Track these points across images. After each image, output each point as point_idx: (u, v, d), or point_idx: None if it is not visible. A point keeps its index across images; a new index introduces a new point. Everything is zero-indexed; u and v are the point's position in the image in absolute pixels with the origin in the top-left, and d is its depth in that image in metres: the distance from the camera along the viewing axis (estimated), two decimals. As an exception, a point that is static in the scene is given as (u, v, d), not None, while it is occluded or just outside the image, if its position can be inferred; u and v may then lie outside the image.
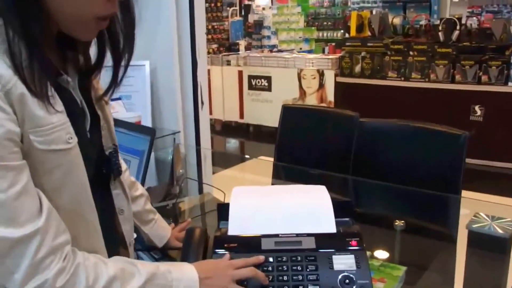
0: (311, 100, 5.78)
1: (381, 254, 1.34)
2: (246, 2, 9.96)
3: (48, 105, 0.74)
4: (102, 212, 0.88)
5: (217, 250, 0.98)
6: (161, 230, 1.28)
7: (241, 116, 6.45)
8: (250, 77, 6.26)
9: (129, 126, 1.60)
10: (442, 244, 1.52)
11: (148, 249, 1.31)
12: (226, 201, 1.62)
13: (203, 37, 2.49)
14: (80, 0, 0.75)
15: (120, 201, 0.99)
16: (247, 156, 5.77)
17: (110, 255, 0.89)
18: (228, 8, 8.80)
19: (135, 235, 1.11)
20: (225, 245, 0.99)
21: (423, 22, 5.53)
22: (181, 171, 1.76)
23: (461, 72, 4.81)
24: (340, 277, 0.92)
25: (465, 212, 1.55)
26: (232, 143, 6.35)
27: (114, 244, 0.96)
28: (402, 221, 1.45)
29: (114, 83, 0.91)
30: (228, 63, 6.43)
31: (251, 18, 8.63)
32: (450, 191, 1.64)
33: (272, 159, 2.62)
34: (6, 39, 0.71)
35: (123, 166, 1.09)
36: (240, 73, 6.35)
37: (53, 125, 0.74)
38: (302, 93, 5.89)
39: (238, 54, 6.79)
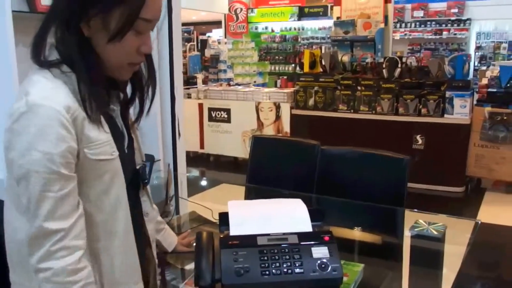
0: (269, 131, 6.09)
1: (344, 254, 1.65)
2: (202, 38, 10.28)
3: (99, 128, 1.03)
4: (133, 214, 1.15)
5: (223, 248, 1.27)
6: (170, 237, 1.56)
7: (202, 146, 6.66)
8: (210, 109, 6.51)
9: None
10: (391, 245, 1.85)
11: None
12: (211, 219, 1.91)
13: (180, 75, 2.79)
14: (120, 52, 1.05)
15: (146, 206, 1.27)
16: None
17: (139, 251, 1.17)
18: (186, 44, 9.06)
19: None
20: (229, 243, 1.27)
21: (368, 60, 5.90)
22: (172, 192, 2.03)
23: (404, 105, 5.22)
24: (318, 262, 1.23)
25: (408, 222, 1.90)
26: (193, 172, 6.57)
27: (141, 242, 1.23)
28: (360, 227, 1.79)
29: (141, 112, 1.21)
30: (189, 96, 6.65)
31: (208, 52, 8.90)
32: (396, 204, 1.99)
33: (235, 186, 2.91)
34: (71, 81, 1.00)
35: None
36: (201, 106, 6.58)
37: (101, 142, 1.04)
38: (260, 124, 6.20)
39: (196, 87, 7.03)
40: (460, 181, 5.18)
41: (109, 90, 1.14)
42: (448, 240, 1.70)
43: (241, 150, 6.31)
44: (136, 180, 1.22)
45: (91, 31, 1.02)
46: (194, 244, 1.33)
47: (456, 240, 1.84)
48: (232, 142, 6.38)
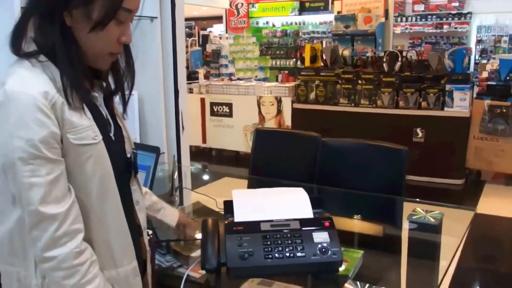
0: (270, 125, 6.14)
1: (344, 242, 1.71)
2: (203, 33, 10.31)
3: (81, 114, 1.06)
4: (124, 202, 1.17)
5: (228, 234, 1.33)
6: (171, 212, 1.59)
7: (204, 140, 6.73)
8: (212, 104, 6.57)
9: (136, 145, 1.92)
10: (390, 232, 1.90)
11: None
12: (215, 209, 1.97)
13: (183, 70, 2.84)
14: (102, 42, 1.08)
15: (136, 195, 1.28)
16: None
17: (133, 239, 1.20)
18: (188, 39, 9.09)
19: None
20: (234, 229, 1.33)
21: (369, 54, 5.94)
22: (177, 183, 2.08)
23: (404, 99, 5.28)
24: (318, 246, 1.29)
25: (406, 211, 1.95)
26: (196, 166, 6.62)
27: (134, 231, 1.24)
28: (359, 215, 1.84)
29: (124, 102, 1.25)
30: (191, 91, 6.70)
31: (209, 47, 8.92)
32: (395, 194, 2.05)
33: (238, 179, 2.96)
34: (49, 69, 1.03)
35: None
36: (203, 100, 6.64)
37: (83, 127, 1.06)
38: (262, 118, 6.26)
39: (198, 82, 7.07)
40: (460, 174, 5.25)
41: (92, 79, 1.17)
42: (445, 229, 1.75)
43: (242, 144, 6.36)
44: (126, 167, 1.24)
45: (73, 21, 1.04)
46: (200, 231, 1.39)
47: (453, 229, 1.88)
48: (234, 136, 6.43)
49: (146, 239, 1.34)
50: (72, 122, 1.04)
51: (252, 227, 1.34)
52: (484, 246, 3.86)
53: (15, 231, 1.07)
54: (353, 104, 5.60)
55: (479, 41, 9.15)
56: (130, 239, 1.20)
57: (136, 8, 1.11)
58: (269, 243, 1.29)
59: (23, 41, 1.06)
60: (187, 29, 10.03)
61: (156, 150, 1.89)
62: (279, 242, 1.30)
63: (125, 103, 1.26)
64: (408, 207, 1.95)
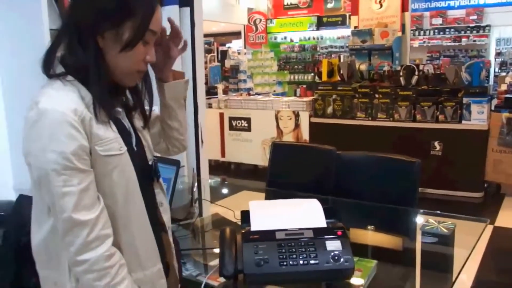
0: (288, 139, 6.20)
1: (358, 252, 1.75)
2: (222, 48, 10.46)
3: (107, 128, 1.16)
4: (148, 205, 1.26)
5: (245, 242, 1.39)
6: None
7: (223, 154, 6.81)
8: (231, 119, 6.67)
9: (158, 158, 2.01)
10: (403, 243, 1.94)
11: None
12: (233, 220, 2.03)
13: (202, 86, 2.94)
14: (130, 61, 1.18)
15: (160, 197, 1.37)
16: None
17: (156, 236, 1.28)
18: (206, 55, 9.23)
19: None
20: (250, 237, 1.40)
21: (386, 68, 5.95)
22: (196, 195, 2.16)
23: (421, 112, 5.29)
24: (331, 254, 1.34)
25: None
26: (215, 180, 6.69)
27: (158, 230, 1.33)
28: (372, 226, 1.89)
29: (144, 115, 1.33)
30: (210, 106, 6.81)
31: (228, 63, 9.06)
32: (408, 205, 2.09)
33: (255, 192, 3.01)
34: (76, 88, 1.12)
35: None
36: (221, 115, 6.74)
37: (109, 139, 1.15)
38: (280, 132, 6.32)
39: (217, 97, 7.18)
40: (479, 187, 5.22)
41: (115, 95, 1.27)
42: (458, 241, 1.78)
43: (261, 158, 6.43)
44: (149, 174, 1.33)
45: (105, 43, 1.14)
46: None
47: (466, 241, 1.91)
48: (252, 150, 6.51)
49: (170, 237, 1.42)
50: (99, 135, 1.13)
51: (267, 235, 1.40)
52: (504, 259, 3.83)
53: (50, 239, 1.16)
54: (370, 118, 5.64)
55: (498, 54, 9.12)
56: (154, 243, 1.28)
57: (159, 30, 1.22)
58: (283, 251, 1.36)
59: (53, 62, 1.16)
60: (206, 45, 10.20)
61: (176, 163, 1.97)
62: (293, 250, 1.36)
63: (145, 119, 1.35)
64: (421, 219, 1.99)
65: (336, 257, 1.34)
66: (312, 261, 1.34)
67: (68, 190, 1.07)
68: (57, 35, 1.18)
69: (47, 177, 1.07)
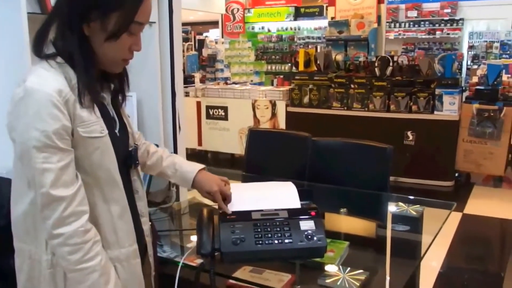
0: (265, 128, 6.24)
1: (331, 234, 1.81)
2: (199, 37, 10.41)
3: (90, 111, 1.19)
4: (125, 191, 1.30)
5: (222, 222, 1.44)
6: (185, 175, 1.58)
7: (200, 143, 6.82)
8: (208, 107, 6.66)
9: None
10: (375, 225, 2.01)
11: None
12: (210, 203, 2.06)
13: (180, 73, 2.94)
14: (115, 50, 1.22)
15: (136, 184, 1.41)
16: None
17: (133, 219, 1.32)
18: (184, 43, 9.18)
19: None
20: (227, 217, 1.45)
21: (361, 59, 6.05)
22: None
23: (395, 103, 5.40)
24: (305, 233, 1.40)
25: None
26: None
27: (135, 216, 1.36)
28: (345, 209, 1.96)
29: (124, 97, 1.38)
30: (187, 94, 6.76)
31: (205, 52, 9.04)
32: (381, 189, 2.17)
33: (233, 181, 3.03)
34: (65, 70, 1.16)
35: (152, 147, 1.58)
36: (199, 104, 6.72)
37: (91, 121, 1.20)
38: (257, 121, 6.35)
39: (194, 86, 7.15)
40: (450, 176, 5.36)
41: (102, 82, 1.31)
42: (425, 227, 1.84)
43: (238, 147, 6.46)
44: (128, 160, 1.37)
45: (91, 31, 1.17)
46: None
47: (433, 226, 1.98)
48: (230, 139, 6.53)
49: (147, 225, 1.45)
50: (82, 117, 1.17)
51: (244, 216, 1.45)
52: (472, 246, 3.97)
53: (29, 212, 1.20)
54: (345, 108, 5.72)
55: (471, 47, 9.32)
56: (131, 224, 1.32)
57: (146, 21, 1.24)
58: (259, 230, 1.41)
59: (44, 44, 1.19)
60: (183, 34, 10.14)
61: (154, 148, 1.99)
62: (269, 229, 1.41)
63: (125, 98, 1.40)
64: (392, 202, 2.06)
65: (309, 236, 1.40)
66: (286, 240, 1.39)
67: (48, 166, 1.11)
68: (49, 17, 1.21)
69: (29, 153, 1.11)
